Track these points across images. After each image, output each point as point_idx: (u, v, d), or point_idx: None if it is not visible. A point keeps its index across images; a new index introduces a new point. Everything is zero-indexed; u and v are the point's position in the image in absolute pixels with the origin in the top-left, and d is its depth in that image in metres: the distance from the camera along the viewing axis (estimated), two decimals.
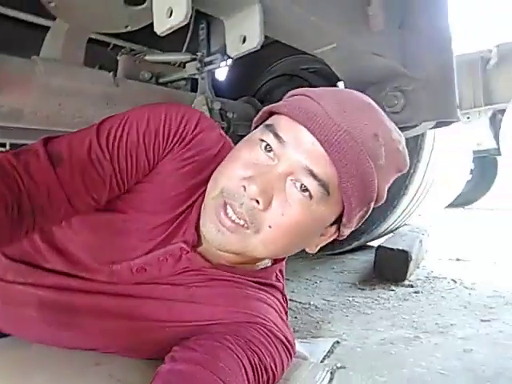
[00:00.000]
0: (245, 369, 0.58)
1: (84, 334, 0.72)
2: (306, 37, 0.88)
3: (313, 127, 0.54)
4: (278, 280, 0.75)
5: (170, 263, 0.66)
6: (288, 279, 1.47)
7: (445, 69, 1.22)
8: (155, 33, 1.12)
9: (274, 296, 0.72)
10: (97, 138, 0.61)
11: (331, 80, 1.86)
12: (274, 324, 0.66)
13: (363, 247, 2.02)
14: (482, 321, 0.97)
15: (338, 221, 0.61)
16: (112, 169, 0.61)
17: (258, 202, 0.55)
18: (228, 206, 0.57)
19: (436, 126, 1.35)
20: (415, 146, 1.74)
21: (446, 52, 1.22)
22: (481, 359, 0.78)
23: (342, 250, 1.94)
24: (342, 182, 0.55)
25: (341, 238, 0.65)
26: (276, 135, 0.56)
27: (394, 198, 1.80)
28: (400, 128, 1.34)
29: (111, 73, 1.24)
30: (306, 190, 0.55)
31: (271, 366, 0.62)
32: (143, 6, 1.06)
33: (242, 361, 0.59)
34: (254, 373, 0.59)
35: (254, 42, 0.71)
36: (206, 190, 0.64)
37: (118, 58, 1.44)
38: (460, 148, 2.55)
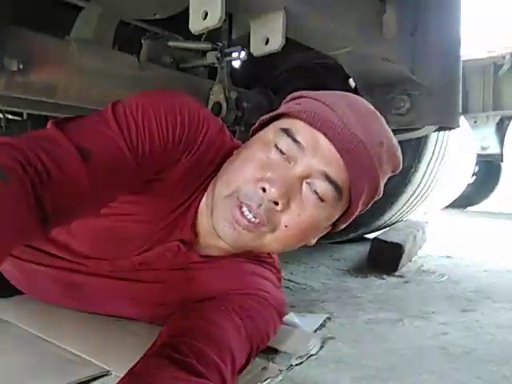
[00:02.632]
0: (238, 330, 0.64)
1: (93, 307, 0.82)
2: (323, 40, 0.95)
3: (331, 135, 0.58)
4: (270, 256, 0.81)
5: (169, 257, 0.71)
6: (288, 262, 1.57)
7: (451, 77, 1.28)
8: (177, 18, 1.20)
9: (267, 269, 0.78)
10: (121, 135, 0.57)
11: (343, 76, 1.91)
12: (269, 293, 0.72)
13: (360, 239, 2.12)
14: (461, 311, 1.07)
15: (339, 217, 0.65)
16: (135, 173, 0.59)
17: (276, 203, 0.57)
18: (244, 206, 0.58)
19: (438, 130, 1.42)
20: (418, 146, 1.80)
21: (453, 60, 1.28)
22: (453, 341, 0.88)
23: (340, 240, 2.04)
24: (353, 185, 0.59)
25: (334, 231, 0.70)
26: (295, 140, 0.59)
27: (393, 195, 1.87)
28: (404, 129, 1.42)
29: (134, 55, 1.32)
30: (320, 192, 0.59)
31: (265, 329, 0.69)
32: None
33: (236, 323, 0.64)
34: (247, 334, 0.64)
35: (276, 44, 0.78)
36: (204, 187, 0.67)
37: (143, 41, 1.51)
38: (464, 150, 2.61)
